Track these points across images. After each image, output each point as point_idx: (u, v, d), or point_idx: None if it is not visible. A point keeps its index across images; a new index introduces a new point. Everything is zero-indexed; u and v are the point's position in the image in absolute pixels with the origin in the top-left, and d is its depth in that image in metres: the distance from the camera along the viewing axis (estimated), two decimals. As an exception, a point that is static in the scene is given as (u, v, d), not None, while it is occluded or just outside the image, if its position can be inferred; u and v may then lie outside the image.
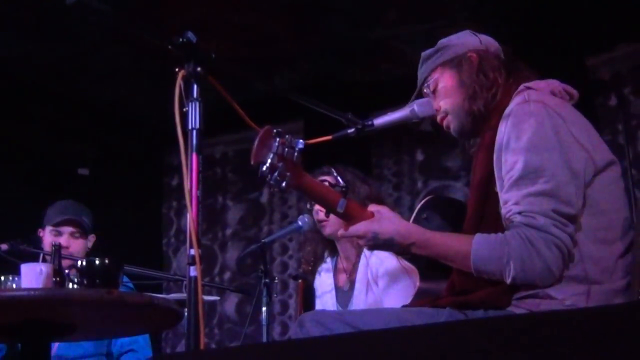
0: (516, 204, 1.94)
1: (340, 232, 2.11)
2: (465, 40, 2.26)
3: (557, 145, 1.94)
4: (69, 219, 3.76)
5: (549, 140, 1.95)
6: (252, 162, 1.92)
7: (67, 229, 3.75)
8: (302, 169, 1.99)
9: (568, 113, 2.03)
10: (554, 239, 1.88)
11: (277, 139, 1.92)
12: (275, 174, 1.92)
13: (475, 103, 2.15)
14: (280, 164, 1.92)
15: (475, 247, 1.94)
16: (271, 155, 1.91)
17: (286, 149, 1.93)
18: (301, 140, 1.97)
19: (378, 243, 2.07)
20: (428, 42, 2.29)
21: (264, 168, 1.91)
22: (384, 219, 2.07)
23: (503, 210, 1.98)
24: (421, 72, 2.30)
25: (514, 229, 1.92)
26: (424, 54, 2.31)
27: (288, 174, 1.93)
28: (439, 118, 2.26)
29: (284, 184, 1.94)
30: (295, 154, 1.95)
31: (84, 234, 3.78)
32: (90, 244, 3.84)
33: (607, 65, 5.25)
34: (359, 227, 2.06)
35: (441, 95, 2.23)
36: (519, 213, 1.92)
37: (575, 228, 1.92)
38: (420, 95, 2.30)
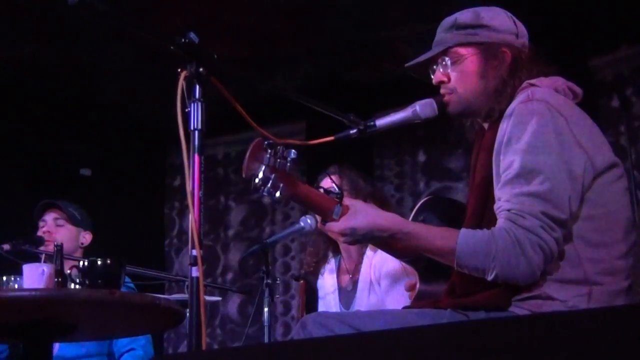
0: (507, 201, 1.93)
1: (320, 225, 2.11)
2: (504, 27, 2.17)
3: (557, 147, 1.93)
4: (49, 203, 3.77)
5: (550, 141, 1.93)
6: (243, 176, 1.91)
7: (50, 216, 3.75)
8: (295, 179, 1.98)
9: (571, 113, 2.01)
10: (540, 241, 1.87)
11: (269, 151, 1.91)
12: (268, 185, 1.91)
13: (486, 101, 2.12)
14: (272, 176, 1.91)
15: (461, 242, 1.93)
16: (263, 168, 1.90)
17: (278, 160, 1.93)
18: (293, 151, 1.96)
19: (357, 238, 2.04)
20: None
21: (256, 181, 1.91)
22: (360, 213, 2.03)
23: (494, 207, 1.97)
24: (447, 37, 2.20)
25: (502, 227, 1.91)
26: (459, 19, 2.20)
27: (281, 185, 1.93)
28: (442, 89, 2.19)
29: (277, 195, 1.93)
30: (288, 164, 1.95)
31: (69, 222, 3.76)
32: (85, 241, 3.82)
33: (609, 66, 5.24)
34: (337, 224, 2.02)
35: (459, 72, 2.16)
36: (508, 210, 1.91)
37: (563, 233, 1.91)
38: (434, 62, 2.21)
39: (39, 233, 3.71)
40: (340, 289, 3.40)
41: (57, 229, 3.72)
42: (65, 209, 3.78)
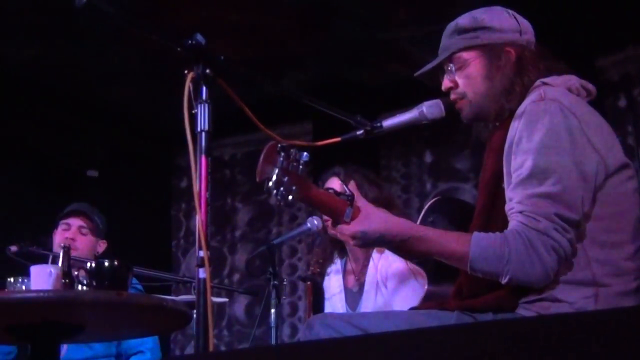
0: (519, 202, 1.92)
1: (331, 231, 2.10)
2: (505, 27, 2.16)
3: (569, 147, 1.92)
4: (78, 210, 3.79)
5: (562, 142, 1.92)
6: (257, 180, 1.92)
7: (76, 222, 3.76)
8: (308, 181, 1.98)
9: (584, 113, 2.00)
10: (553, 243, 1.86)
11: (282, 154, 1.92)
12: (281, 188, 1.91)
13: (496, 102, 2.11)
14: (285, 179, 1.91)
15: (474, 246, 1.92)
16: (276, 171, 1.91)
17: (291, 163, 1.93)
18: (306, 153, 1.96)
19: (367, 242, 2.03)
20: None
21: (270, 184, 1.91)
22: (371, 217, 2.01)
23: (506, 207, 1.96)
24: (450, 43, 2.19)
25: (515, 229, 1.90)
26: (460, 23, 2.19)
27: (294, 187, 1.93)
28: (452, 96, 2.19)
29: (290, 198, 1.93)
30: (301, 167, 1.95)
31: (92, 232, 3.78)
32: (100, 249, 3.84)
33: (616, 66, 5.23)
34: (347, 227, 2.01)
35: (465, 77, 2.16)
36: (521, 212, 1.90)
37: (576, 234, 1.90)
38: (441, 68, 2.21)
39: (58, 234, 3.72)
40: (346, 290, 3.40)
41: (80, 237, 3.73)
42: (92, 217, 3.79)
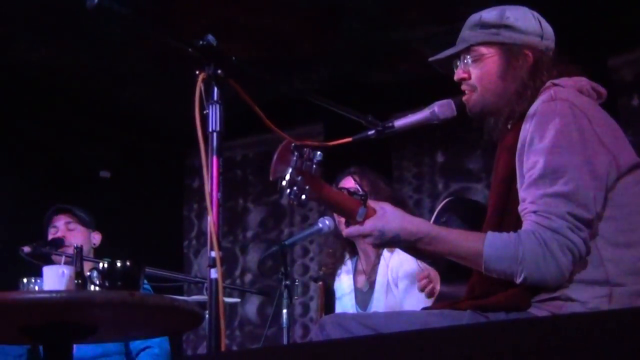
0: (532, 202, 1.92)
1: (345, 231, 2.09)
2: (528, 29, 2.16)
3: (581, 147, 1.92)
4: (58, 209, 3.79)
5: (573, 141, 1.92)
6: (270, 179, 1.91)
7: (60, 221, 3.77)
8: (321, 181, 1.98)
9: (594, 113, 2.00)
10: (567, 243, 1.86)
11: (296, 153, 1.91)
12: (294, 188, 1.91)
13: (506, 102, 2.12)
14: (299, 178, 1.91)
15: (488, 246, 1.92)
16: (290, 170, 1.90)
17: (305, 163, 1.93)
18: (319, 153, 1.96)
19: (384, 240, 2.02)
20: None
21: (283, 183, 1.91)
22: (389, 216, 2.01)
23: (519, 208, 1.96)
24: (471, 35, 2.20)
25: (529, 229, 1.90)
26: (484, 17, 2.20)
27: (307, 187, 1.92)
28: (463, 86, 2.20)
29: (303, 198, 1.93)
30: (314, 166, 1.94)
31: (80, 223, 3.78)
32: (96, 242, 3.84)
33: (629, 65, 5.21)
34: (365, 226, 2.01)
35: (479, 70, 2.16)
36: (534, 212, 1.90)
37: (590, 233, 1.90)
38: (457, 58, 2.22)
39: (50, 239, 3.72)
40: (356, 290, 3.40)
41: (70, 233, 3.73)
42: (74, 211, 3.80)
